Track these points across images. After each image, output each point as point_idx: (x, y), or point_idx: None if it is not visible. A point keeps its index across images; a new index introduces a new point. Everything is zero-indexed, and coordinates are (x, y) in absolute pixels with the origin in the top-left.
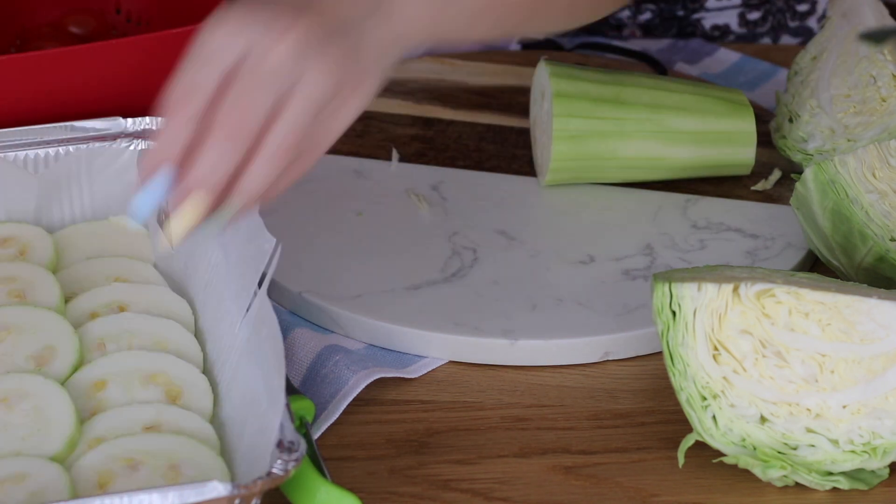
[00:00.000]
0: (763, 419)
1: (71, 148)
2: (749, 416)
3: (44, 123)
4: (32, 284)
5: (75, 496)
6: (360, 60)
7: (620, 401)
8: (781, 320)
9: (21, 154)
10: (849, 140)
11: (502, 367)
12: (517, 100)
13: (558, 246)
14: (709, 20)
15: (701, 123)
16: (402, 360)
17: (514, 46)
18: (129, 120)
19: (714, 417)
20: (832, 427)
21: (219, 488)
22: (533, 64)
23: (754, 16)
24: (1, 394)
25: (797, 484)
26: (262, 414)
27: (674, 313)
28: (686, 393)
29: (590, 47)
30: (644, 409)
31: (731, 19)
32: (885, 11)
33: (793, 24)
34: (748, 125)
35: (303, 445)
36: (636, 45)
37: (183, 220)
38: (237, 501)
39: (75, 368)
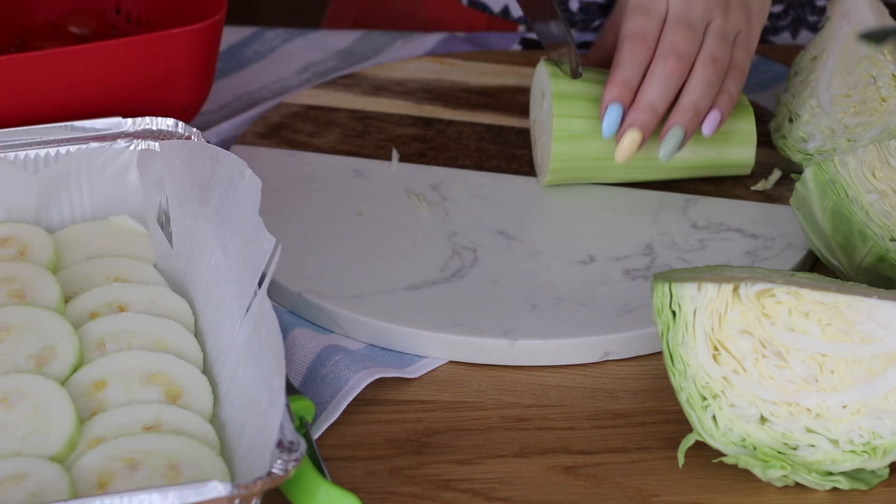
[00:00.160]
0: (763, 419)
1: (71, 148)
2: (749, 416)
3: (44, 123)
4: (32, 284)
5: (75, 496)
6: (749, 6)
7: (620, 401)
8: (781, 320)
9: (21, 154)
10: (849, 140)
11: (502, 367)
12: (517, 100)
13: (558, 246)
14: None
15: None
16: (402, 360)
17: (515, 46)
18: (129, 120)
19: (714, 417)
20: (832, 427)
21: (219, 488)
22: (533, 64)
23: (777, 8)
24: (1, 394)
25: (797, 484)
26: (262, 414)
27: (674, 313)
28: (686, 393)
29: (587, 47)
30: (644, 409)
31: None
32: (885, 11)
33: (812, 18)
34: (748, 125)
35: (303, 445)
36: None
37: (632, 138)
38: (237, 501)
39: (75, 368)
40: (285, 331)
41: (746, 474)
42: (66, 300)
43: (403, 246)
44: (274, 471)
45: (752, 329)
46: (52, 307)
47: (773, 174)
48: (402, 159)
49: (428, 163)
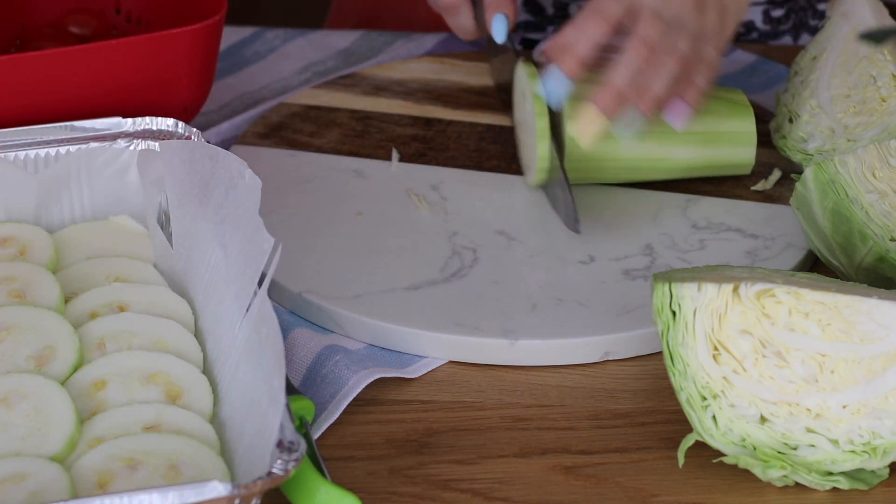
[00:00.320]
0: (763, 419)
1: (71, 148)
2: (749, 416)
3: (44, 123)
4: (32, 284)
5: (75, 496)
6: (726, 8)
7: (620, 401)
8: (781, 320)
9: (21, 154)
10: (849, 140)
11: (502, 367)
12: None
13: (558, 246)
14: None
15: (701, 123)
16: (402, 360)
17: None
18: (129, 120)
19: (714, 417)
20: (832, 427)
21: (219, 488)
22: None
23: (778, 13)
24: (1, 394)
25: (797, 484)
26: (262, 414)
27: (674, 313)
28: (686, 393)
29: None
30: (644, 409)
31: (755, 16)
32: (885, 11)
33: (813, 22)
34: (748, 125)
35: (303, 445)
36: None
37: (596, 120)
38: (237, 501)
39: (75, 368)
40: (285, 331)
41: (746, 474)
42: (66, 300)
43: (403, 246)
44: (274, 471)
45: (752, 329)
46: (52, 307)
47: (773, 174)
48: (402, 159)
49: (428, 163)
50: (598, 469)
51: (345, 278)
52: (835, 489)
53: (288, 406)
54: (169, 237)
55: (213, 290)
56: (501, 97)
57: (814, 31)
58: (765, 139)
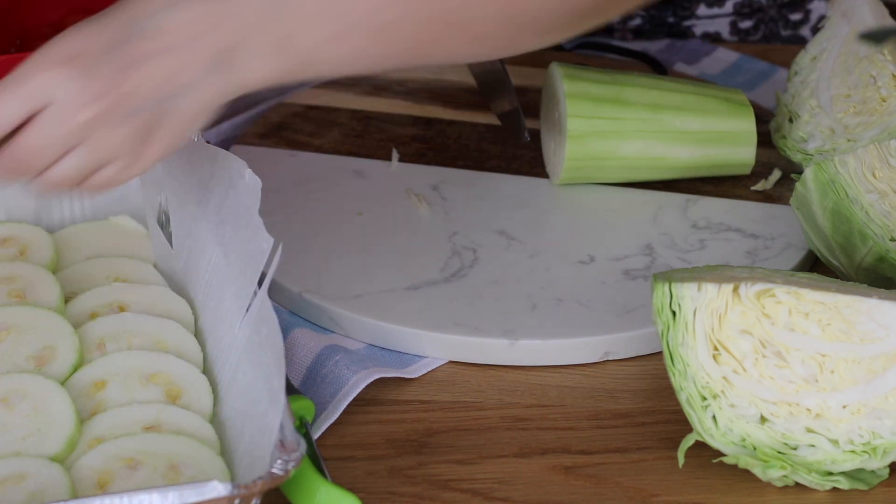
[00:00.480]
0: (763, 419)
1: None
2: (749, 416)
3: None
4: (32, 284)
5: (75, 496)
6: (156, 134)
7: (620, 401)
8: (781, 320)
9: None
10: (849, 140)
11: (502, 367)
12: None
13: (558, 246)
14: (700, 27)
15: (701, 123)
16: (402, 360)
17: None
18: None
19: (714, 417)
20: (832, 427)
21: (219, 488)
22: (533, 64)
23: (746, 24)
24: (1, 394)
25: (797, 484)
26: (262, 414)
27: (674, 313)
28: (686, 393)
29: (590, 47)
30: (644, 409)
31: (722, 27)
32: (885, 11)
33: (785, 33)
34: (748, 125)
35: (303, 445)
36: (635, 45)
37: None
38: (237, 501)
39: (75, 368)
40: (285, 331)
41: (746, 474)
42: (66, 300)
43: (403, 246)
44: (274, 471)
45: (752, 329)
46: (52, 307)
47: (773, 174)
48: (402, 159)
49: (428, 163)
50: (598, 469)
51: (345, 278)
52: (835, 489)
53: (288, 406)
54: (169, 237)
55: (213, 290)
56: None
57: (787, 41)
58: (765, 139)
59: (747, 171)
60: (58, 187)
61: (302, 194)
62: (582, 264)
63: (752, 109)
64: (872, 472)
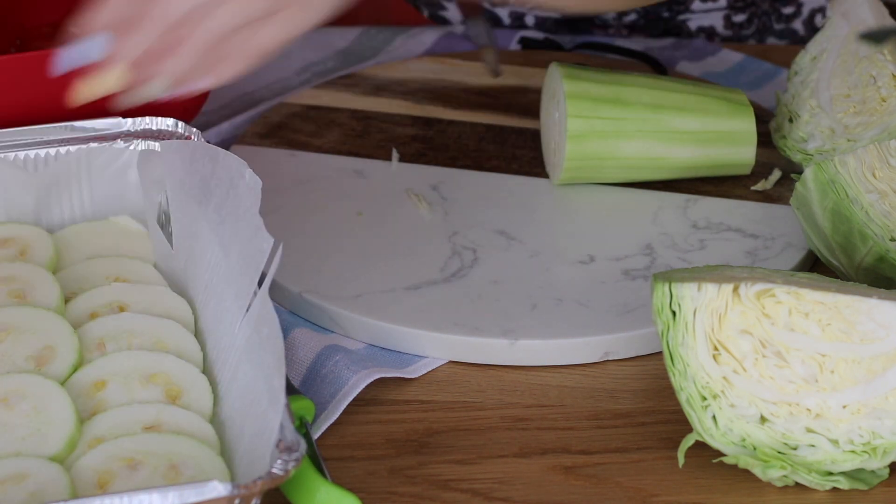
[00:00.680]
0: (763, 419)
1: (71, 148)
2: (749, 416)
3: (44, 123)
4: (32, 284)
5: (75, 496)
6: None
7: (620, 401)
8: (781, 320)
9: (21, 154)
10: (849, 140)
11: (502, 367)
12: (517, 100)
13: (558, 246)
14: (694, 22)
15: (701, 123)
16: (402, 360)
17: (515, 46)
18: (129, 120)
19: (714, 417)
20: (832, 427)
21: (219, 488)
22: (533, 64)
23: (740, 18)
24: (1, 394)
25: (797, 484)
26: (262, 414)
27: (674, 313)
28: (686, 393)
29: (590, 47)
30: (644, 409)
31: (716, 21)
32: (885, 11)
33: (778, 26)
34: (748, 125)
35: (303, 445)
36: (639, 44)
37: (102, 82)
38: (237, 501)
39: (75, 368)
40: (285, 331)
41: (746, 474)
42: (66, 300)
43: (403, 246)
44: (274, 471)
45: (752, 329)
46: (52, 307)
47: (773, 174)
48: (402, 159)
49: (428, 163)
50: (598, 469)
51: (345, 278)
52: (835, 489)
53: (288, 406)
54: (169, 237)
55: (213, 290)
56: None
57: (780, 35)
58: (765, 139)
59: (747, 171)
60: (201, 47)
61: (302, 194)
62: (582, 264)
63: (752, 109)
64: (872, 472)
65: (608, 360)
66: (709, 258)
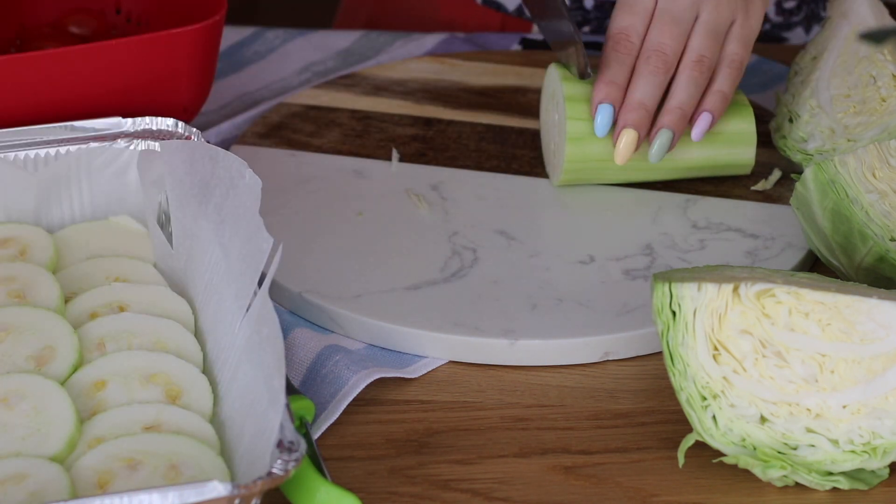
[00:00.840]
0: (763, 419)
1: (71, 148)
2: (749, 416)
3: (44, 123)
4: (32, 284)
5: (75, 496)
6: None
7: (620, 401)
8: (781, 320)
9: (21, 154)
10: (849, 140)
11: (502, 367)
12: (517, 100)
13: (558, 246)
14: None
15: None
16: (402, 360)
17: (515, 46)
18: (129, 120)
19: (714, 417)
20: (832, 427)
21: (219, 488)
22: (533, 64)
23: (790, 4)
24: (1, 394)
25: (797, 484)
26: (262, 414)
27: (674, 313)
28: (686, 393)
29: (590, 47)
30: (644, 409)
31: (769, 7)
32: (885, 11)
33: (825, 14)
34: (748, 125)
35: (303, 445)
36: None
37: (628, 138)
38: (237, 501)
39: (75, 368)
40: (285, 331)
41: (746, 474)
42: (66, 300)
43: (403, 246)
44: (274, 471)
45: (752, 329)
46: (52, 307)
47: (773, 174)
48: (402, 159)
49: (428, 163)
50: (598, 469)
51: (345, 278)
52: (835, 489)
53: (288, 406)
54: (169, 237)
55: (213, 290)
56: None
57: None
58: (765, 139)
59: (747, 171)
60: (698, 74)
61: (302, 194)
62: (582, 264)
63: (752, 109)
64: (872, 472)
65: (608, 360)
66: (709, 258)
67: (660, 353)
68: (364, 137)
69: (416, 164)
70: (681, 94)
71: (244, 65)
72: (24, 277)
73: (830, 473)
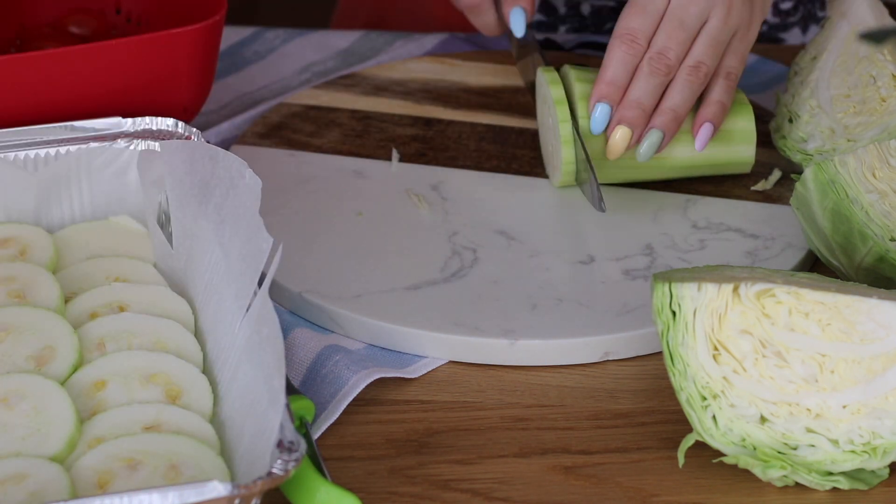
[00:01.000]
0: (763, 419)
1: (71, 148)
2: (749, 416)
3: (44, 123)
4: (32, 284)
5: (75, 496)
6: (753, 4)
7: (620, 401)
8: (781, 320)
9: (21, 154)
10: (849, 140)
11: (502, 367)
12: (517, 100)
13: (558, 246)
14: None
15: None
16: (402, 360)
17: None
18: (129, 120)
19: (714, 417)
20: (832, 427)
21: (219, 488)
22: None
23: (787, 5)
24: (1, 394)
25: (797, 484)
26: (262, 414)
27: (674, 313)
28: (686, 393)
29: (590, 47)
30: (644, 409)
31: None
32: (885, 11)
33: (822, 14)
34: (748, 124)
35: (303, 445)
36: None
37: (622, 134)
38: (237, 501)
39: (75, 368)
40: (285, 331)
41: (746, 474)
42: (66, 300)
43: (403, 246)
44: (274, 471)
45: (752, 329)
46: (52, 307)
47: (773, 174)
48: (402, 159)
49: (428, 163)
50: (598, 469)
51: (345, 278)
52: (835, 489)
53: (288, 406)
54: (169, 237)
55: (213, 290)
56: (533, 95)
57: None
58: (765, 139)
59: (747, 169)
60: (695, 78)
61: (302, 194)
62: (582, 264)
63: (752, 109)
64: (872, 472)
65: (608, 360)
66: (709, 258)
67: (660, 353)
68: (364, 137)
69: (416, 164)
70: (675, 96)
71: (244, 65)
72: (24, 277)
73: (830, 473)
